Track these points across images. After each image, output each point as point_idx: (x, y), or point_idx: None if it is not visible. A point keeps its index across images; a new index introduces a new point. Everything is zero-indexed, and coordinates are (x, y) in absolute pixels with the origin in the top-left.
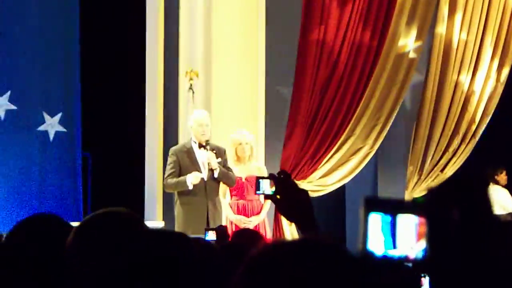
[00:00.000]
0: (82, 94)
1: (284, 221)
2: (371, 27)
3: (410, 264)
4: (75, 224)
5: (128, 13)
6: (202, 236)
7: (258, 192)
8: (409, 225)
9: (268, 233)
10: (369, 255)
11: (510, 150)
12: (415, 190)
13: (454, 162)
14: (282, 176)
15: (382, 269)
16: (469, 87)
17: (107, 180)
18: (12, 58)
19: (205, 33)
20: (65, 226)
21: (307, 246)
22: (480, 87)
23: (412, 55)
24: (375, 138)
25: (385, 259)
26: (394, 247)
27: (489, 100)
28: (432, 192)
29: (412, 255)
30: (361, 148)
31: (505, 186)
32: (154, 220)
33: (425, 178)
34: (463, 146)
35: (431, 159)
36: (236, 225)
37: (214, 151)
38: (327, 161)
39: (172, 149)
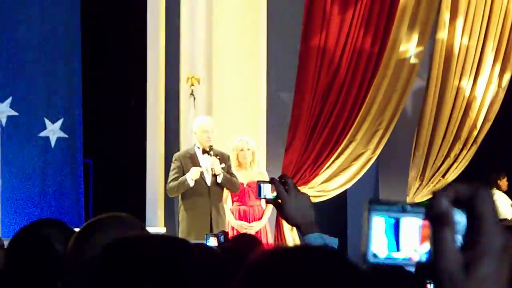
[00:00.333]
0: (83, 100)
1: (285, 226)
2: (372, 32)
3: (413, 267)
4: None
5: (129, 19)
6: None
7: (259, 196)
8: (413, 228)
9: (270, 239)
10: (371, 263)
11: (511, 155)
12: (417, 196)
13: (456, 168)
14: (283, 180)
15: (384, 277)
16: (470, 93)
17: (109, 186)
18: (14, 64)
19: (206, 39)
20: (69, 231)
21: (307, 252)
22: (482, 93)
23: (413, 60)
24: (376, 143)
25: (387, 266)
26: (398, 249)
27: (490, 106)
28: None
29: (415, 258)
30: (362, 153)
31: (506, 192)
32: (156, 227)
33: (426, 184)
34: (464, 152)
35: (433, 164)
36: (237, 231)
37: (218, 157)
38: (328, 166)
39: (176, 155)
